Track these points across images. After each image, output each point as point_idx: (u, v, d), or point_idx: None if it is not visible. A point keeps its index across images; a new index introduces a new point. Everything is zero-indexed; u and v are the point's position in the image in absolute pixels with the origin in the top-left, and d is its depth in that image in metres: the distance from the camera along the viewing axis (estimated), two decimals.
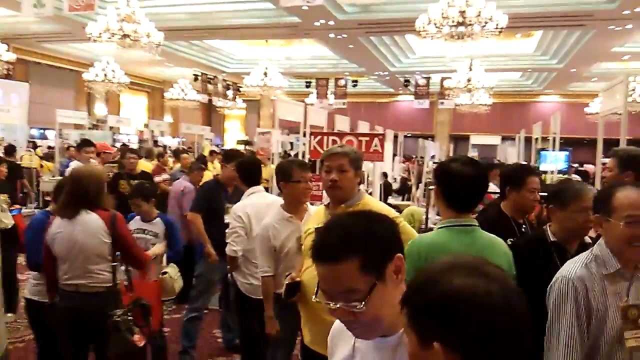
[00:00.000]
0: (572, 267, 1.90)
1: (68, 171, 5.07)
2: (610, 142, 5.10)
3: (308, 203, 3.17)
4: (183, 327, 4.38)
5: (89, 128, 17.15)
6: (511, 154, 10.44)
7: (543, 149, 9.54)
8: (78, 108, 19.12)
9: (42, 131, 18.13)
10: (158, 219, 3.91)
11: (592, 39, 13.62)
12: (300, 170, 3.00)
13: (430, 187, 4.54)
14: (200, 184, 5.50)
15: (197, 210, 4.41)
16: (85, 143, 6.45)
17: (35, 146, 13.70)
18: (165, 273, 3.71)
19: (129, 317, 2.94)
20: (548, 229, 2.42)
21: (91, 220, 2.92)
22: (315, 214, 2.74)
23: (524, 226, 2.96)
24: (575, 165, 12.78)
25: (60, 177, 5.69)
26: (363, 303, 1.09)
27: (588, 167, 14.36)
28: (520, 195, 2.89)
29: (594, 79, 19.46)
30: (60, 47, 17.63)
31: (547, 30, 14.46)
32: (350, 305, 1.10)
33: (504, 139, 15.31)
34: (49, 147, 14.48)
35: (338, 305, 1.11)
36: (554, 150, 7.28)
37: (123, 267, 3.24)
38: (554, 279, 1.90)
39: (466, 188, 2.17)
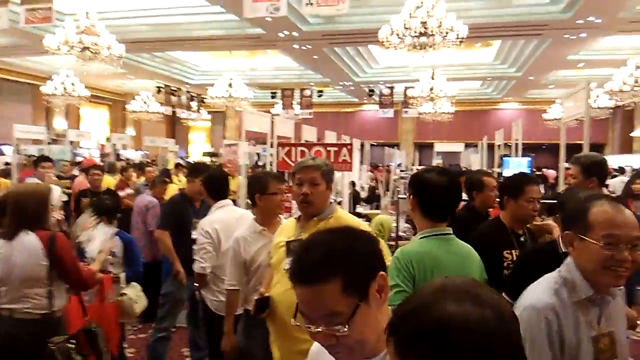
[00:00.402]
0: (540, 294, 1.68)
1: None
2: (570, 147, 5.28)
3: (281, 216, 3.13)
4: (150, 349, 4.21)
5: (48, 143, 16.64)
6: (474, 161, 10.66)
7: (505, 155, 9.79)
8: (36, 122, 18.56)
9: None
10: (117, 237, 3.73)
11: (548, 48, 14.08)
12: (277, 183, 2.96)
13: (401, 196, 4.58)
14: (166, 198, 5.38)
15: (165, 227, 4.29)
16: (42, 159, 6.22)
17: None
18: (124, 295, 3.53)
19: (71, 345, 2.73)
20: (559, 240, 2.24)
21: (29, 242, 2.75)
22: (286, 227, 2.68)
23: (522, 237, 2.87)
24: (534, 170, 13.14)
25: None
26: (346, 327, 1.04)
27: (546, 172, 14.81)
28: (518, 205, 2.81)
29: (551, 86, 20.13)
30: (16, 60, 17.12)
31: (505, 39, 14.88)
32: (333, 330, 1.04)
33: (467, 145, 15.62)
34: (6, 164, 13.98)
35: (319, 329, 1.06)
36: (516, 156, 7.46)
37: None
38: (520, 308, 1.67)
39: (442, 198, 2.20)
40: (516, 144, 7.21)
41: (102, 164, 10.34)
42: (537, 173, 11.32)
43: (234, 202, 6.27)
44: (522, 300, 1.72)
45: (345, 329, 1.04)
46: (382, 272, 1.11)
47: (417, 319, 0.78)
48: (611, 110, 18.31)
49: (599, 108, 16.56)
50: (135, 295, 3.61)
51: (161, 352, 4.19)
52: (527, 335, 1.58)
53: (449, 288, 0.81)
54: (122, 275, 3.60)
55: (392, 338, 0.80)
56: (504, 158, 9.75)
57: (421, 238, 2.18)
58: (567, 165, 5.24)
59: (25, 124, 16.36)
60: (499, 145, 9.39)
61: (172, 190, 6.05)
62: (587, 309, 1.65)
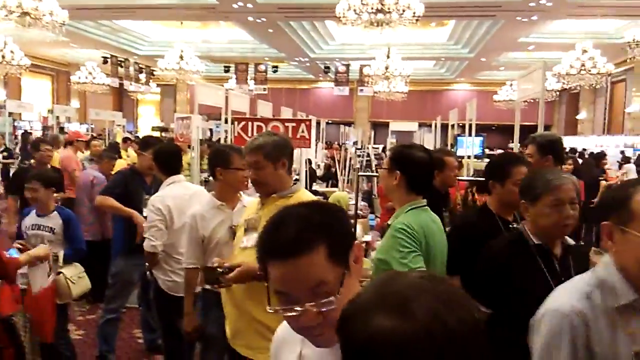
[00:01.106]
0: (567, 297, 1.42)
1: None
2: (521, 128, 5.36)
3: (241, 192, 3.01)
4: (99, 330, 4.03)
5: None
6: (428, 140, 10.77)
7: (459, 135, 9.91)
8: None
9: None
10: (55, 212, 3.49)
11: (500, 30, 14.32)
12: (240, 157, 2.79)
13: (362, 174, 4.52)
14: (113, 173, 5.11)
15: (108, 194, 4.02)
16: None
17: None
18: (59, 273, 3.30)
19: None
20: (525, 228, 2.07)
21: None
22: (249, 207, 2.63)
23: (513, 224, 2.59)
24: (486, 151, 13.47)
25: None
26: (337, 295, 0.97)
27: (498, 152, 15.22)
28: (505, 190, 2.51)
29: (502, 68, 20.58)
30: None
31: (460, 19, 15.02)
32: (322, 302, 0.97)
33: (420, 125, 15.78)
34: None
35: (304, 308, 0.97)
36: (470, 136, 7.55)
37: None
38: (540, 313, 1.45)
39: (426, 173, 2.35)
40: (470, 124, 7.28)
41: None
42: (489, 153, 11.60)
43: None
44: (546, 303, 1.46)
45: (337, 297, 0.97)
46: (357, 242, 1.08)
47: (348, 329, 0.75)
48: (557, 93, 18.92)
49: (547, 90, 17.06)
50: (74, 275, 3.39)
51: (111, 333, 4.02)
52: (544, 343, 1.40)
53: (388, 295, 0.74)
54: (61, 254, 3.36)
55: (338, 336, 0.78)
56: (457, 138, 9.88)
57: (410, 210, 2.28)
58: (513, 145, 5.35)
59: None
60: (452, 125, 9.50)
61: (120, 166, 5.77)
62: (629, 317, 1.35)
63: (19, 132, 16.16)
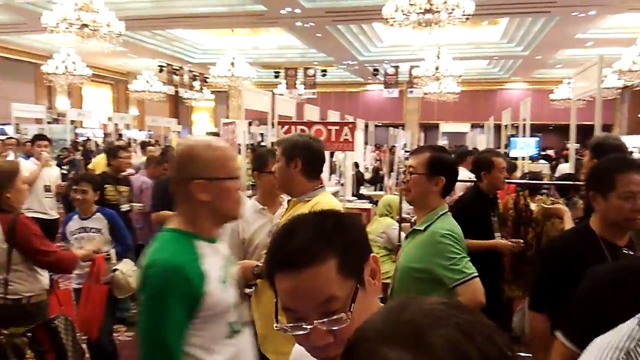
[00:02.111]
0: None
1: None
2: (579, 128, 5.12)
3: (284, 196, 3.01)
4: None
5: (49, 122, 16.53)
6: (481, 141, 10.49)
7: (513, 135, 9.60)
8: (39, 102, 18.44)
9: (1, 127, 17.41)
10: (98, 213, 3.61)
11: (556, 26, 13.77)
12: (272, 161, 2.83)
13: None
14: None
15: (159, 208, 4.12)
16: (38, 137, 6.03)
17: None
18: (115, 270, 3.44)
19: (24, 339, 2.54)
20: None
21: None
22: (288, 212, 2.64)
23: (623, 249, 2.24)
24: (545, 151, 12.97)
25: None
26: (349, 312, 0.89)
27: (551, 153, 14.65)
28: (610, 205, 2.03)
29: (559, 65, 19.80)
30: (16, 38, 16.92)
31: (513, 17, 14.57)
32: (331, 320, 0.89)
33: (473, 126, 15.41)
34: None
35: (313, 325, 0.89)
36: (524, 137, 7.29)
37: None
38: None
39: (456, 178, 2.34)
40: (524, 124, 7.03)
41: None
42: (542, 153, 11.18)
43: None
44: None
45: (348, 316, 0.89)
46: (373, 254, 1.00)
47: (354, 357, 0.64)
48: (619, 91, 18.00)
49: (607, 88, 16.27)
50: (129, 269, 3.50)
51: None
52: None
53: (401, 323, 0.62)
54: (112, 252, 3.50)
55: None
56: (511, 138, 9.58)
57: (442, 215, 2.22)
58: (574, 145, 5.13)
59: (27, 103, 16.28)
60: (505, 126, 9.21)
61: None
62: None
63: (81, 139, 16.90)
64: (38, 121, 15.43)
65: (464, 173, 5.45)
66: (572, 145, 5.18)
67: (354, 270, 0.93)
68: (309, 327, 0.90)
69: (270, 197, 2.90)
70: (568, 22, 13.25)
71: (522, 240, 3.28)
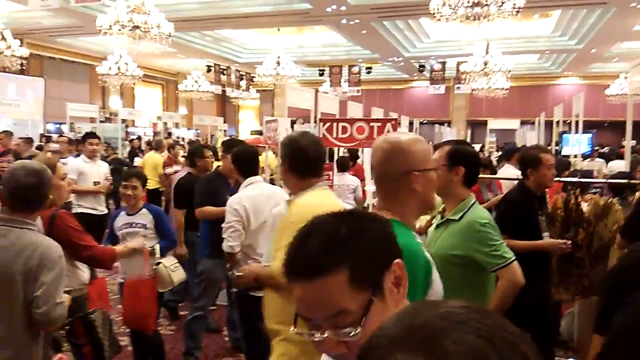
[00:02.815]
0: None
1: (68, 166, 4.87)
2: (636, 124, 4.86)
3: None
4: (186, 327, 4.15)
5: (101, 121, 17.16)
6: (531, 138, 10.15)
7: (564, 132, 9.23)
8: (93, 102, 19.19)
9: (57, 126, 18.23)
10: (144, 209, 3.68)
11: (612, 18, 13.17)
12: None
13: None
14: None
15: (201, 205, 4.15)
16: (88, 135, 6.18)
17: (48, 140, 13.72)
18: (158, 263, 3.50)
19: (62, 332, 2.55)
20: None
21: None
22: None
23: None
24: (597, 148, 12.41)
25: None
26: (358, 329, 0.85)
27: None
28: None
29: (615, 59, 18.92)
30: (73, 41, 17.66)
31: (566, 9, 14.03)
32: (342, 333, 0.85)
33: (522, 123, 14.94)
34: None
35: (325, 335, 0.86)
36: (576, 133, 7.00)
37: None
38: None
39: (479, 167, 2.57)
40: (576, 121, 6.74)
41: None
42: (601, 151, 10.69)
43: (272, 180, 6.20)
44: None
45: (357, 332, 0.85)
46: (397, 260, 0.93)
47: None
48: None
49: None
50: (171, 264, 3.57)
51: (197, 330, 4.12)
52: None
53: (416, 327, 0.57)
54: (157, 247, 3.57)
55: None
56: (563, 135, 9.21)
57: (473, 204, 2.34)
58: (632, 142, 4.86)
59: (83, 103, 16.97)
60: (557, 122, 8.88)
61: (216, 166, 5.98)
62: None
63: (133, 137, 17.45)
64: (92, 120, 16.04)
65: (511, 170, 5.29)
66: (628, 143, 4.92)
67: (368, 281, 0.88)
68: (320, 336, 0.87)
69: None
70: (626, 13, 12.64)
71: (570, 241, 3.13)
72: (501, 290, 2.19)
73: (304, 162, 2.37)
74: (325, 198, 2.35)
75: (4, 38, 12.62)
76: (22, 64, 13.34)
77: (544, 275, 3.01)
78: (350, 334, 0.85)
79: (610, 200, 3.09)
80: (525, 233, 2.98)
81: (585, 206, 3.42)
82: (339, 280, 0.86)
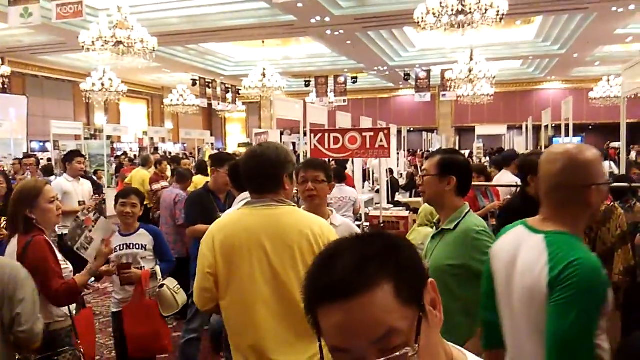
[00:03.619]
0: None
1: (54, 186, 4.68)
2: (616, 126, 4.85)
3: (333, 210, 2.87)
4: (180, 351, 3.93)
5: (86, 138, 16.96)
6: (519, 143, 10.19)
7: (555, 136, 9.27)
8: (78, 119, 18.99)
9: (42, 144, 17.99)
10: (142, 230, 3.48)
11: (594, 22, 13.33)
12: (302, 171, 2.69)
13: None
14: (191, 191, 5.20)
15: (194, 222, 4.00)
16: (75, 154, 5.90)
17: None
18: (162, 286, 3.34)
19: None
20: None
21: (10, 247, 2.52)
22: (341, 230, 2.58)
23: None
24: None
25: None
26: (416, 345, 0.75)
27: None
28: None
29: (597, 63, 19.18)
30: (55, 58, 17.48)
31: (548, 15, 14.18)
32: (395, 357, 0.74)
33: (509, 128, 15.03)
34: (49, 160, 14.33)
35: None
36: (567, 137, 7.02)
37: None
38: None
39: (471, 176, 2.43)
40: (566, 124, 6.76)
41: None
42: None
43: None
44: None
45: (415, 348, 0.74)
46: (431, 279, 0.84)
47: None
48: None
49: None
50: (174, 286, 3.41)
51: (192, 354, 3.93)
52: None
53: None
54: (158, 269, 3.41)
55: None
56: (553, 139, 9.26)
57: (468, 212, 2.30)
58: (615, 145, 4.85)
59: (67, 121, 16.76)
60: (546, 126, 8.91)
61: (200, 183, 5.87)
62: None
63: (119, 154, 17.28)
64: (77, 137, 15.84)
65: (509, 177, 5.25)
66: (624, 145, 4.91)
67: (414, 295, 0.78)
68: None
69: (312, 209, 2.71)
70: (607, 17, 12.80)
71: None
72: None
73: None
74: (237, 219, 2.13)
75: None
76: (3, 83, 13.16)
77: None
78: (407, 355, 0.74)
79: (612, 204, 3.04)
80: None
81: None
82: (384, 295, 0.75)
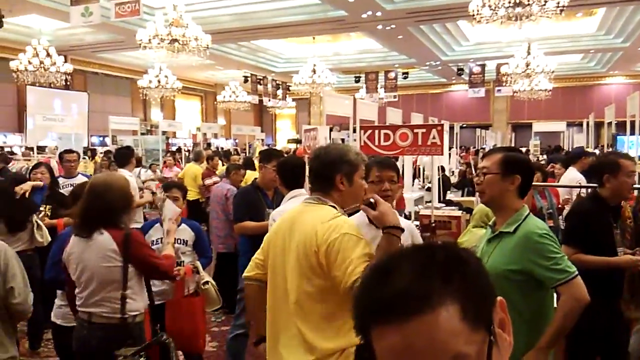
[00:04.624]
0: None
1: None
2: None
3: (396, 212, 2.80)
4: (228, 346, 3.92)
5: (142, 133, 17.49)
6: (578, 140, 9.73)
7: (618, 134, 8.79)
8: (135, 114, 19.64)
9: (101, 139, 18.73)
10: (183, 225, 3.50)
11: None
12: (377, 169, 2.59)
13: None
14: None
15: (240, 219, 3.94)
16: (65, 151, 5.82)
17: (93, 154, 14.09)
18: (207, 282, 3.36)
19: (141, 358, 2.46)
20: None
21: (103, 242, 2.52)
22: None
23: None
24: None
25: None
26: None
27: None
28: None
29: None
30: (115, 56, 18.15)
31: (611, 7, 13.48)
32: None
33: (568, 125, 14.39)
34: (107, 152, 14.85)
35: None
36: (632, 135, 6.61)
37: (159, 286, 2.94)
38: None
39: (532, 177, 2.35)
40: (632, 121, 6.37)
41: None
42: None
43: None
44: None
45: None
46: (500, 298, 0.73)
47: None
48: None
49: None
50: (214, 283, 3.44)
51: (239, 349, 3.89)
52: None
53: None
54: (199, 264, 3.43)
55: None
56: (616, 137, 8.77)
57: (528, 215, 2.16)
58: None
59: (125, 116, 17.37)
60: (608, 123, 8.46)
61: (252, 177, 5.90)
62: None
63: (174, 149, 17.77)
64: (134, 133, 16.38)
65: (576, 175, 5.00)
66: None
67: (482, 316, 0.68)
68: None
69: None
70: None
71: None
72: (563, 308, 1.97)
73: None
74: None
75: (49, 55, 13.01)
76: (66, 80, 13.72)
77: (614, 291, 2.76)
78: None
79: None
80: (599, 248, 2.71)
81: None
82: (450, 316, 0.66)
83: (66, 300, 2.88)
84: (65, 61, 14.17)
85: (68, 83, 14.24)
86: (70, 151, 5.83)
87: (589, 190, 3.53)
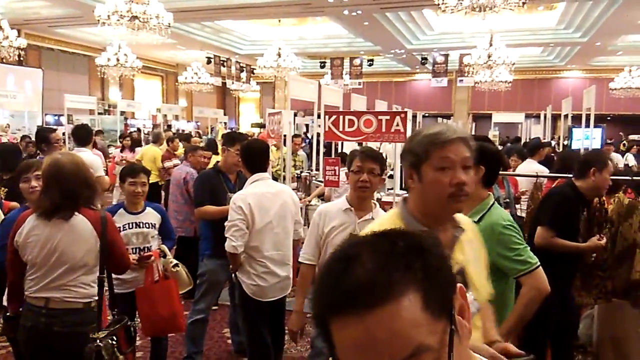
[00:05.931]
0: None
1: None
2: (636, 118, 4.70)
3: (376, 203, 2.86)
4: (187, 331, 3.87)
5: (100, 113, 16.95)
6: (536, 132, 10.00)
7: (574, 126, 9.07)
8: (92, 93, 18.99)
9: (56, 117, 18.04)
10: (148, 208, 3.42)
11: (618, 10, 12.97)
12: (359, 159, 2.64)
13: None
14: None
15: (202, 204, 3.88)
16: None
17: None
18: (177, 265, 3.34)
19: (113, 342, 2.44)
20: None
21: (78, 224, 2.41)
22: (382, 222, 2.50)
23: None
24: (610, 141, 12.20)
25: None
26: None
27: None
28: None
29: (619, 52, 18.75)
30: (72, 32, 17.44)
31: (571, 2, 13.83)
32: None
33: (526, 116, 14.77)
34: (63, 134, 14.34)
35: None
36: (587, 127, 6.84)
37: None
38: None
39: (499, 167, 2.41)
40: (587, 115, 6.58)
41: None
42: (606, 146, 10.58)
43: (275, 177, 5.99)
44: None
45: None
46: (460, 284, 0.72)
47: None
48: None
49: None
50: (183, 265, 3.43)
51: (199, 334, 3.90)
52: None
53: None
54: (165, 248, 3.38)
55: None
56: (572, 129, 9.05)
57: (493, 205, 2.17)
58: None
59: (82, 95, 16.77)
60: (565, 116, 8.72)
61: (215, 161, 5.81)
62: None
63: (132, 130, 17.32)
64: (91, 112, 15.85)
65: (534, 166, 5.13)
66: None
67: (444, 304, 0.67)
68: None
69: (354, 198, 2.76)
70: (632, 5, 12.45)
71: (603, 238, 2.93)
72: (525, 298, 2.01)
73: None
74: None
75: (1, 28, 12.40)
76: (19, 55, 13.12)
77: (567, 279, 2.86)
78: None
79: (637, 199, 2.93)
80: (567, 234, 2.81)
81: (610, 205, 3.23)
82: (411, 307, 0.64)
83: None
84: (19, 35, 13.52)
85: (22, 58, 13.63)
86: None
87: (546, 180, 3.63)
